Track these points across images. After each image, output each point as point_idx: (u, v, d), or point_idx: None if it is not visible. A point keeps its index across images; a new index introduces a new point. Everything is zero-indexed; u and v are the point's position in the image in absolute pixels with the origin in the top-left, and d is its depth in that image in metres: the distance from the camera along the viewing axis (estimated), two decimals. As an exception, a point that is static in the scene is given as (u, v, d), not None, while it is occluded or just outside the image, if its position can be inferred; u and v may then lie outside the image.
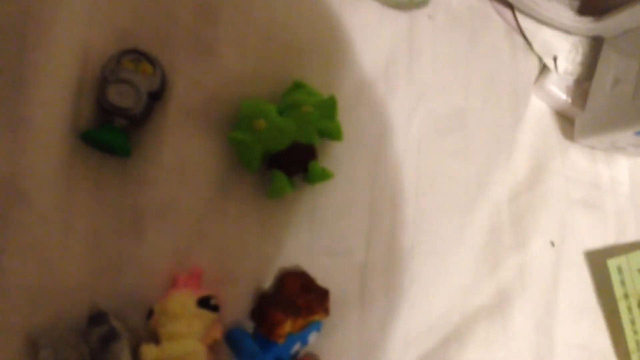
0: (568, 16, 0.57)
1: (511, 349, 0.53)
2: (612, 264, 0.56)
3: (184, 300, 0.46)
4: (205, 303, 0.47)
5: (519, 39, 0.60)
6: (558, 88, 0.58)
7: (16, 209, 0.45)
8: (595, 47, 0.59)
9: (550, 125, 0.59)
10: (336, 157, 0.52)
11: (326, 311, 0.48)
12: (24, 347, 0.44)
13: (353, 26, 0.55)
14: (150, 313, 0.47)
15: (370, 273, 0.52)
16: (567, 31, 0.59)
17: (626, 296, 0.55)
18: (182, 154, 0.49)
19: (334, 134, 0.50)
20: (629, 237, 0.59)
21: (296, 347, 0.48)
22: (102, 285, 0.47)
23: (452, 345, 0.52)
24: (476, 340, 0.53)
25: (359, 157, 0.53)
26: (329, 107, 0.50)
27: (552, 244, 0.56)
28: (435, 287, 0.54)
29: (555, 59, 0.59)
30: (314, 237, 0.51)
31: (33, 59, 0.46)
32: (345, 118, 0.52)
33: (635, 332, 0.55)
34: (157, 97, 0.49)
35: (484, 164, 0.56)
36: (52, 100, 0.46)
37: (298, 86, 0.51)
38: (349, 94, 0.54)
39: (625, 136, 0.53)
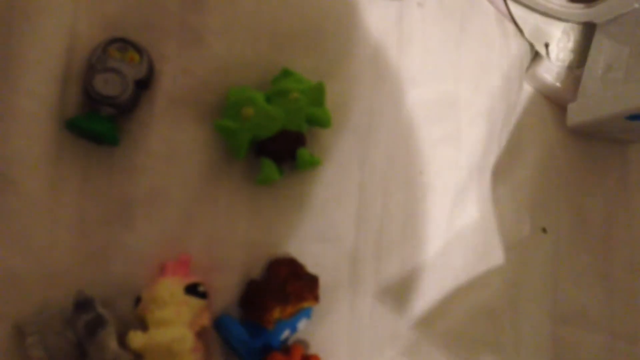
0: (559, 2, 0.57)
1: (506, 339, 0.53)
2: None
3: (172, 287, 0.46)
4: (193, 290, 0.46)
5: (510, 26, 0.59)
6: (550, 75, 0.58)
7: (3, 197, 0.44)
8: (586, 33, 0.58)
9: (542, 111, 0.59)
10: (325, 143, 0.52)
11: (316, 298, 0.48)
12: (11, 334, 0.44)
13: (342, 14, 0.54)
14: (138, 300, 0.46)
15: (360, 259, 0.52)
16: (558, 17, 0.58)
17: None
18: (170, 141, 0.49)
19: (323, 121, 0.50)
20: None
21: (285, 333, 0.48)
22: (90, 273, 0.46)
23: (444, 334, 0.52)
24: (466, 327, 0.52)
25: (348, 144, 0.53)
26: (317, 93, 0.49)
27: (544, 230, 0.56)
28: (426, 273, 0.53)
29: (546, 46, 0.58)
30: (303, 224, 0.51)
31: (19, 47, 0.45)
32: (334, 105, 0.51)
33: None
34: (144, 85, 0.49)
35: (474, 151, 0.56)
36: (39, 89, 0.46)
37: (286, 74, 0.51)
38: (338, 81, 0.53)
39: (617, 121, 0.53)
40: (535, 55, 0.59)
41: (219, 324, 0.48)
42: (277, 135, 0.48)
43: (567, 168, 0.58)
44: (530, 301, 0.55)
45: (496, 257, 0.54)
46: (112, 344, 0.43)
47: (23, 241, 0.45)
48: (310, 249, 0.51)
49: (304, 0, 0.53)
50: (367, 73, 0.54)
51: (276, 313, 0.47)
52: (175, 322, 0.45)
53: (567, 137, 0.59)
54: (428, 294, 0.53)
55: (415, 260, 0.53)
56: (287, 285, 0.47)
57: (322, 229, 0.51)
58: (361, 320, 0.51)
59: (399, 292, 0.52)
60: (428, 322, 0.52)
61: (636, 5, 0.52)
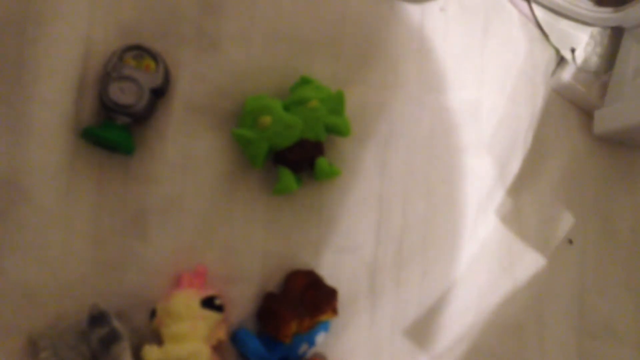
0: (587, 6, 0.54)
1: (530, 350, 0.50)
2: None
3: (188, 301, 0.43)
4: (209, 303, 0.44)
5: (535, 31, 0.56)
6: (576, 80, 0.55)
7: (17, 208, 0.42)
8: (614, 38, 0.55)
9: (567, 118, 0.56)
10: (344, 152, 0.49)
11: (334, 311, 0.46)
12: (25, 348, 0.42)
13: (362, 20, 0.51)
14: (153, 313, 0.44)
15: (380, 270, 0.49)
16: (585, 22, 0.55)
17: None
18: (186, 150, 0.47)
19: (342, 130, 0.47)
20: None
21: (303, 347, 0.45)
22: (104, 285, 0.44)
23: (466, 347, 0.49)
24: (489, 338, 0.50)
25: (368, 152, 0.50)
26: (336, 102, 0.46)
27: (570, 241, 0.52)
28: (447, 285, 0.50)
29: (572, 51, 0.55)
30: (322, 234, 0.48)
31: (33, 55, 0.43)
32: (353, 112, 0.48)
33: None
34: (160, 93, 0.46)
35: (498, 159, 0.53)
36: (53, 98, 0.43)
37: (305, 81, 0.48)
38: (358, 88, 0.50)
39: None
40: (561, 60, 0.56)
41: (236, 337, 0.45)
42: (296, 145, 0.45)
43: (593, 176, 0.55)
44: (556, 315, 0.51)
45: (521, 270, 0.51)
46: (127, 358, 0.41)
47: (37, 252, 0.43)
48: (328, 260, 0.48)
49: (322, 6, 0.50)
50: (388, 80, 0.51)
51: (294, 327, 0.44)
52: (192, 336, 0.43)
53: (594, 144, 0.55)
54: (452, 307, 0.50)
55: (437, 271, 0.50)
56: (305, 298, 0.45)
57: (341, 240, 0.49)
58: (381, 333, 0.48)
59: (420, 304, 0.49)
60: (452, 337, 0.49)
61: (669, 9, 0.48)
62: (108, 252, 0.44)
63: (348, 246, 0.49)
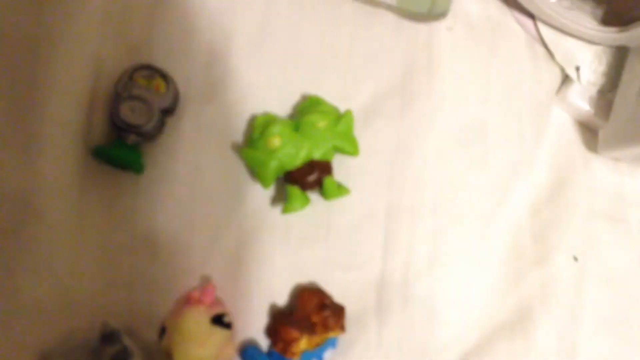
0: (591, 26, 0.54)
1: None
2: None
3: (197, 318, 0.44)
4: (218, 320, 0.44)
5: (540, 49, 0.56)
6: (581, 99, 0.55)
7: (28, 226, 0.43)
8: (619, 56, 0.56)
9: (572, 137, 0.56)
10: (352, 170, 0.50)
11: (342, 328, 0.46)
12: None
13: (370, 39, 0.52)
14: (162, 330, 0.44)
15: (387, 287, 0.49)
16: (590, 41, 0.56)
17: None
18: (195, 168, 0.47)
19: (350, 150, 0.48)
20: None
21: (311, 364, 0.46)
22: (114, 302, 0.45)
23: None
24: (497, 358, 0.49)
25: (375, 170, 0.51)
26: (345, 123, 0.47)
27: (575, 258, 0.53)
28: (453, 302, 0.50)
29: (577, 69, 0.56)
30: (330, 252, 0.49)
31: (45, 74, 0.44)
32: (361, 131, 0.49)
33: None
34: (170, 112, 0.47)
35: (504, 177, 0.53)
36: (64, 117, 0.44)
37: (314, 102, 0.49)
38: (366, 107, 0.51)
39: None
40: (566, 79, 0.56)
41: (245, 355, 0.46)
42: (304, 165, 0.46)
43: (596, 193, 0.55)
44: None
45: (526, 286, 0.51)
46: (137, 377, 0.41)
47: (47, 270, 0.43)
48: (336, 277, 0.49)
49: (331, 26, 0.52)
50: (396, 97, 0.52)
51: (302, 344, 0.45)
52: (202, 354, 0.43)
53: (599, 162, 0.56)
54: (456, 323, 0.50)
55: (444, 290, 0.50)
56: (313, 315, 0.45)
57: (348, 257, 0.49)
58: (389, 349, 0.48)
59: (427, 321, 0.49)
60: (459, 355, 0.49)
61: (674, 31, 0.48)
62: (118, 269, 0.45)
63: (356, 263, 0.49)
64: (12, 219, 0.43)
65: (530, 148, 0.54)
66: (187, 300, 0.46)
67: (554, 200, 0.54)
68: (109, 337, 0.42)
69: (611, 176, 0.55)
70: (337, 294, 0.48)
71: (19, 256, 0.42)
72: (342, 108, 0.49)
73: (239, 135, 0.49)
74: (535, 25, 0.56)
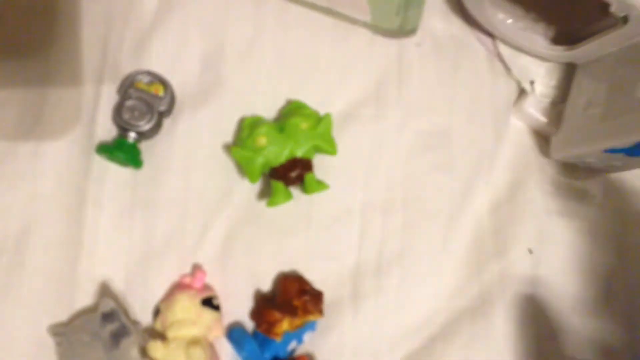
0: (543, 45, 0.58)
1: (494, 347, 0.54)
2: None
3: (189, 300, 0.47)
4: (208, 303, 0.47)
5: (499, 65, 0.60)
6: (535, 109, 0.59)
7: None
8: (568, 72, 0.60)
9: (528, 143, 0.60)
10: (331, 169, 0.53)
11: (320, 312, 0.49)
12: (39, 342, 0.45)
13: (347, 52, 0.56)
14: (157, 312, 0.48)
15: (362, 276, 0.53)
16: (542, 58, 0.60)
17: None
18: (189, 165, 0.51)
19: (329, 150, 0.51)
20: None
21: (292, 344, 0.49)
22: (113, 286, 0.48)
23: (438, 345, 0.53)
24: (460, 339, 0.53)
25: (351, 169, 0.54)
26: (324, 125, 0.51)
27: (530, 251, 0.57)
28: (422, 289, 0.54)
29: (532, 83, 0.60)
30: (310, 243, 0.52)
31: (57, 78, 0.47)
32: (339, 134, 0.53)
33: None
34: (166, 114, 0.50)
35: (467, 178, 0.57)
36: (74, 117, 0.48)
37: (297, 106, 0.53)
38: (344, 112, 0.55)
39: (596, 153, 0.54)
40: (522, 91, 0.60)
41: (231, 335, 0.49)
42: (288, 162, 0.50)
43: (549, 192, 0.59)
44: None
45: (488, 276, 0.55)
46: (134, 352, 0.44)
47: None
48: (316, 266, 0.52)
49: (314, 41, 0.56)
50: (370, 104, 0.56)
51: (284, 325, 0.48)
52: (193, 332, 0.46)
53: (551, 165, 0.60)
54: (425, 310, 0.54)
55: (412, 278, 0.54)
56: (295, 300, 0.48)
57: (327, 247, 0.53)
58: (362, 332, 0.52)
59: (398, 306, 0.53)
60: (426, 336, 0.53)
61: (613, 50, 0.54)
62: (117, 255, 0.48)
63: (333, 253, 0.53)
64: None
65: (490, 152, 0.58)
66: (180, 285, 0.49)
67: (511, 199, 0.57)
68: (109, 315, 0.45)
69: (562, 178, 0.59)
70: (316, 281, 0.51)
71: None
72: (322, 112, 0.52)
73: (229, 135, 0.52)
74: (494, 43, 0.60)
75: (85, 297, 0.47)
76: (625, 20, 0.49)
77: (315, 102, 0.53)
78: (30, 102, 0.47)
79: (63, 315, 0.46)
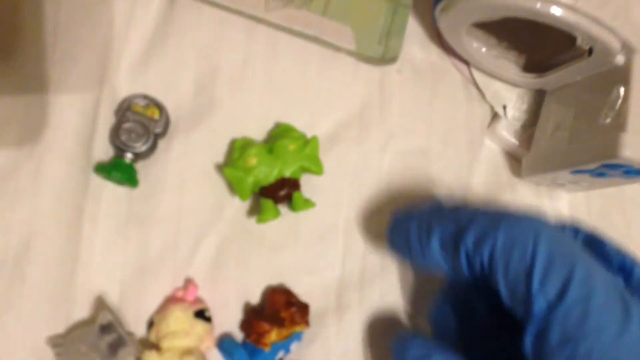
0: (515, 72, 0.62)
1: None
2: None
3: (182, 313, 0.49)
4: (201, 315, 0.50)
5: (474, 90, 0.63)
6: (507, 132, 0.62)
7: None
8: (538, 97, 0.63)
9: (501, 163, 0.63)
10: (317, 187, 0.56)
11: (307, 323, 0.51)
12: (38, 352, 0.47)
13: (332, 77, 0.59)
14: (150, 324, 0.50)
15: (345, 289, 0.55)
16: (514, 84, 0.63)
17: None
18: (182, 184, 0.53)
19: (315, 170, 0.54)
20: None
21: (280, 354, 0.51)
22: (108, 299, 0.49)
23: None
24: None
25: (337, 188, 0.57)
26: (311, 147, 0.54)
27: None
28: (404, 303, 0.56)
29: (504, 107, 0.63)
30: (297, 257, 0.55)
31: (57, 99, 0.50)
32: (325, 154, 0.56)
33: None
34: (161, 135, 0.53)
35: (443, 196, 0.60)
36: (73, 139, 0.50)
37: (285, 129, 0.55)
38: (329, 134, 0.58)
39: (563, 174, 0.57)
40: (495, 115, 0.63)
41: (222, 346, 0.51)
42: (277, 181, 0.52)
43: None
44: None
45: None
46: (131, 362, 0.47)
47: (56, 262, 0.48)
48: (302, 279, 0.54)
49: (300, 67, 0.58)
50: (354, 127, 0.59)
51: (273, 336, 0.50)
52: (185, 344, 0.48)
53: (522, 184, 0.63)
54: (407, 323, 0.56)
55: (394, 290, 0.56)
56: (282, 311, 0.50)
57: (313, 262, 0.55)
58: (347, 343, 0.54)
59: (380, 318, 0.55)
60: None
61: (579, 78, 0.57)
62: (112, 269, 0.50)
63: (319, 268, 0.55)
64: None
65: (466, 173, 0.61)
66: (173, 298, 0.51)
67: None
68: (106, 327, 0.47)
69: (532, 197, 0.63)
70: (303, 293, 0.53)
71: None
72: (309, 134, 0.55)
73: (220, 156, 0.54)
74: (470, 70, 0.63)
75: (81, 310, 0.48)
76: (590, 52, 0.53)
77: (303, 124, 0.56)
78: (31, 123, 0.49)
79: (61, 327, 0.47)
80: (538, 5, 0.48)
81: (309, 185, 0.55)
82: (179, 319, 0.49)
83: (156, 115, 0.52)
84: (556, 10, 0.48)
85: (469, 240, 0.41)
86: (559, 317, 0.36)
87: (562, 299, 0.36)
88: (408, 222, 0.47)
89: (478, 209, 0.44)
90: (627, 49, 0.51)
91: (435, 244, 0.44)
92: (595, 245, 0.43)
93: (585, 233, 0.44)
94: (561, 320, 0.36)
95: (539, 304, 0.37)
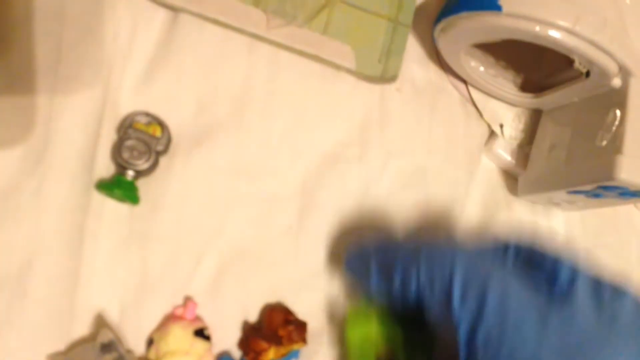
0: (512, 91, 0.62)
1: None
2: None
3: (182, 331, 0.49)
4: (200, 333, 0.49)
5: (472, 109, 0.64)
6: (504, 151, 0.63)
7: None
8: (534, 116, 0.64)
9: (498, 182, 0.64)
10: (318, 205, 0.57)
11: (304, 341, 0.51)
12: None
13: (333, 96, 0.59)
14: (150, 342, 0.50)
15: (343, 307, 0.55)
16: (511, 103, 0.64)
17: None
18: (183, 202, 0.53)
19: None
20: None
21: (278, 372, 0.52)
22: (108, 318, 0.49)
23: None
24: None
25: (338, 207, 0.57)
26: None
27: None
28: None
29: (501, 126, 0.63)
30: (296, 276, 0.55)
31: (60, 118, 0.50)
32: (326, 173, 0.57)
33: None
34: (163, 153, 0.53)
35: (441, 214, 0.60)
36: (76, 156, 0.50)
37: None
38: (331, 152, 0.58)
39: (559, 194, 0.57)
40: (492, 134, 0.64)
41: (221, 363, 0.51)
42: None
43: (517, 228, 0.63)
44: None
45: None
46: (131, 381, 0.47)
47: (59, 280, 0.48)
48: (301, 298, 0.54)
49: (302, 86, 0.59)
50: (354, 145, 0.59)
51: (270, 354, 0.49)
52: None
53: (519, 203, 0.64)
54: None
55: None
56: (280, 329, 0.50)
57: (311, 280, 0.55)
58: None
59: None
60: None
61: (576, 99, 0.58)
62: (113, 286, 0.50)
63: (315, 286, 0.55)
64: None
65: (463, 190, 0.62)
66: (172, 316, 0.51)
67: (477, 226, 0.61)
68: (107, 346, 0.47)
69: (528, 215, 0.63)
70: (301, 312, 0.53)
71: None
72: (309, 152, 0.56)
73: (221, 174, 0.54)
74: (467, 88, 0.64)
75: (82, 328, 0.48)
76: (587, 74, 0.53)
77: (303, 142, 0.57)
78: (33, 140, 0.49)
79: (61, 345, 0.47)
80: (537, 28, 0.49)
81: (310, 205, 0.55)
82: (179, 338, 0.48)
83: (158, 132, 0.52)
84: (555, 34, 0.49)
85: (397, 277, 0.44)
86: (480, 339, 0.37)
87: (480, 321, 0.37)
88: (357, 259, 0.50)
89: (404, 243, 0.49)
90: (624, 72, 0.51)
91: (374, 279, 0.47)
92: (535, 260, 0.44)
93: (526, 249, 0.45)
94: (483, 342, 0.37)
95: (463, 329, 0.38)
